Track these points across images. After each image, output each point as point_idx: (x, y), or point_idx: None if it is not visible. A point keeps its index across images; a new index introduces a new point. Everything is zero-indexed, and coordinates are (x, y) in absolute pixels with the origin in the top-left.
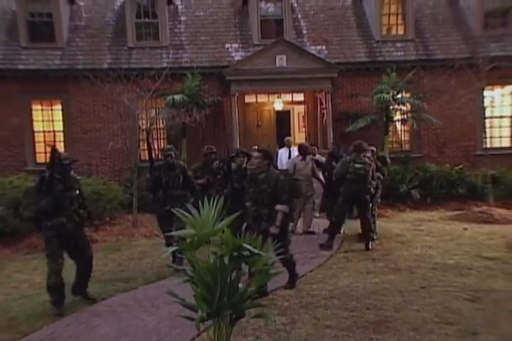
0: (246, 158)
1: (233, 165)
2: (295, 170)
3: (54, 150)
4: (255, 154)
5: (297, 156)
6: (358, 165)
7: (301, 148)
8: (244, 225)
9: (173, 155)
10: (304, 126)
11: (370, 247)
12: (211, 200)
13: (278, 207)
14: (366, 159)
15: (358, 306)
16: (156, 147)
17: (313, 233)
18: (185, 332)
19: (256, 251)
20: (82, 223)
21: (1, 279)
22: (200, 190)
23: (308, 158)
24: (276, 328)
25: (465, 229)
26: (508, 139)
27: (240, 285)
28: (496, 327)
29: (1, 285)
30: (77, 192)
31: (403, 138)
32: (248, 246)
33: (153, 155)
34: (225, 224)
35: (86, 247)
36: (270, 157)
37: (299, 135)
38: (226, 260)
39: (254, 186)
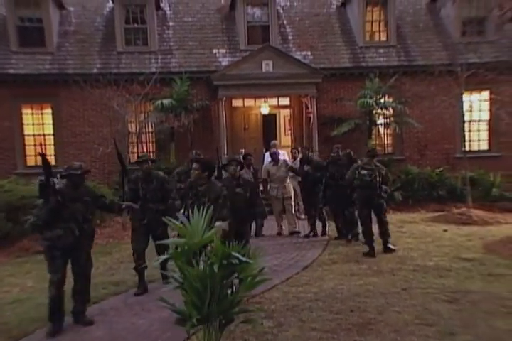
0: (239, 167)
1: (225, 174)
2: (269, 176)
3: (43, 157)
4: (194, 165)
5: (270, 162)
6: (363, 172)
7: (272, 155)
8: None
9: (150, 163)
10: (290, 129)
11: (393, 248)
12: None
13: (217, 223)
14: (374, 165)
15: (342, 308)
16: (145, 150)
17: (298, 232)
18: (175, 335)
19: (244, 259)
20: (83, 238)
21: None
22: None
23: (281, 162)
24: (264, 331)
25: (445, 230)
26: (486, 142)
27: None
28: (472, 327)
29: None
30: (87, 204)
31: (386, 142)
32: (237, 255)
33: (126, 165)
34: (214, 233)
35: (84, 264)
36: (210, 168)
37: (285, 138)
38: (216, 268)
39: (193, 198)
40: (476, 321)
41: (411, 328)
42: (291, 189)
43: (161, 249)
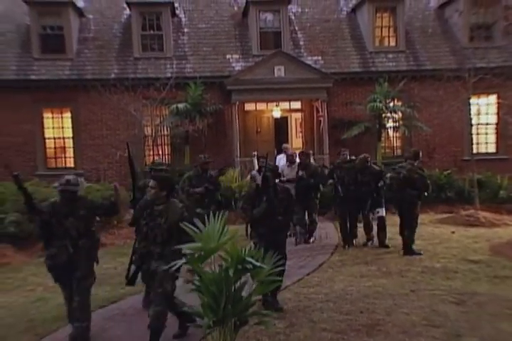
0: (272, 174)
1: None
2: (284, 176)
3: (14, 176)
4: (151, 183)
5: (286, 164)
6: (393, 175)
7: (289, 156)
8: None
9: (163, 171)
10: (301, 132)
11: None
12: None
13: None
14: (409, 167)
15: (352, 309)
16: (160, 152)
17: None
18: (191, 334)
19: (258, 264)
20: (77, 254)
21: (18, 282)
22: (197, 199)
23: (295, 164)
24: (276, 331)
25: (453, 232)
26: (494, 145)
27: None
28: (478, 329)
29: (18, 288)
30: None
31: (395, 144)
32: (251, 260)
33: (137, 172)
34: (230, 238)
35: (82, 279)
36: (169, 186)
37: (296, 140)
38: (231, 272)
39: (147, 218)
40: (482, 323)
41: (418, 329)
42: None
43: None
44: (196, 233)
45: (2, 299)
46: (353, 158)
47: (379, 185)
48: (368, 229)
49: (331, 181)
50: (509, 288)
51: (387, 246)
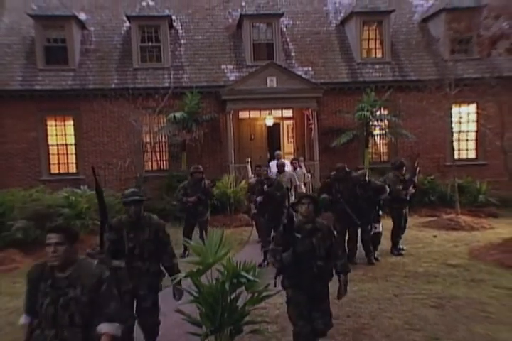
0: (312, 205)
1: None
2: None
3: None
4: (51, 235)
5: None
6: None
7: (279, 166)
8: None
9: (142, 204)
10: (293, 137)
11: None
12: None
13: (103, 328)
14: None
15: (339, 314)
16: (158, 158)
17: None
18: (191, 339)
19: (252, 278)
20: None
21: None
22: (189, 207)
23: (286, 172)
24: (268, 336)
25: (435, 236)
26: (474, 151)
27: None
28: (454, 332)
29: None
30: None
31: (382, 151)
32: (245, 274)
33: (106, 206)
34: (226, 253)
35: None
36: (74, 238)
37: (288, 145)
38: (227, 286)
39: (53, 292)
40: (458, 326)
41: (400, 333)
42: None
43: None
44: (195, 247)
45: (11, 304)
46: (348, 170)
47: (380, 200)
48: (370, 245)
49: (324, 196)
50: (483, 292)
51: (373, 264)
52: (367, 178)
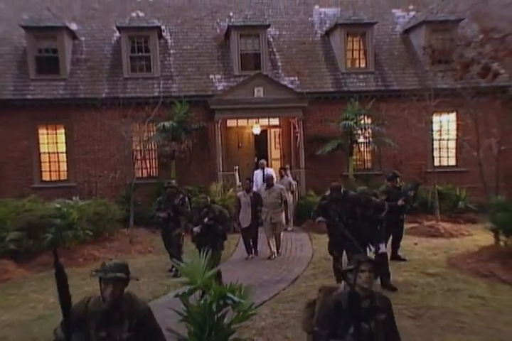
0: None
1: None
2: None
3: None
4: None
5: (263, 185)
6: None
7: (267, 180)
8: None
9: (125, 285)
10: (279, 143)
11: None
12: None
13: None
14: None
15: None
16: (148, 166)
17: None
18: None
19: (237, 299)
20: None
21: (20, 299)
22: (161, 223)
23: (275, 186)
24: None
25: (415, 244)
26: (454, 158)
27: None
28: None
29: (21, 305)
30: None
31: (366, 158)
32: (231, 296)
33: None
34: (213, 274)
35: None
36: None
37: (274, 151)
38: (214, 306)
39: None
40: (434, 337)
41: None
42: (283, 216)
43: None
44: (183, 268)
45: (4, 317)
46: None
47: (380, 217)
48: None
49: (320, 218)
50: (459, 301)
51: (394, 289)
52: (370, 197)
